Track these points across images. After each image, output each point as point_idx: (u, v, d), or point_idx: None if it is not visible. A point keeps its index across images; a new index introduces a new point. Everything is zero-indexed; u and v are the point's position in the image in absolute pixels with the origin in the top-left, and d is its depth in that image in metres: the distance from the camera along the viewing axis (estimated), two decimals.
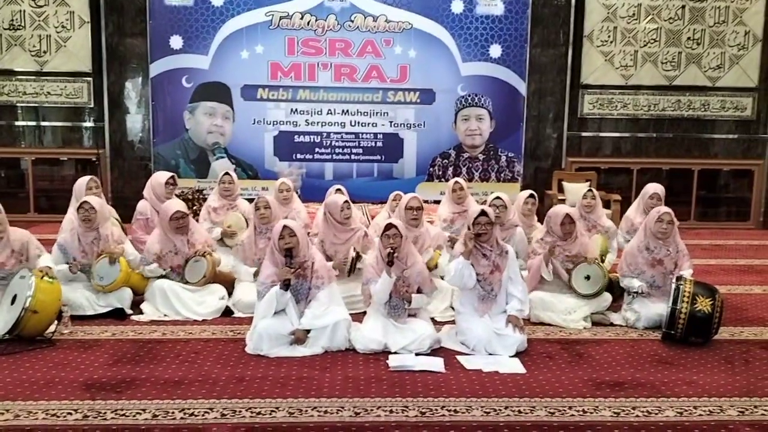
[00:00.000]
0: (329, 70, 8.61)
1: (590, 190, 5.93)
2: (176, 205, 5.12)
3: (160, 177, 6.01)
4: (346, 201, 5.31)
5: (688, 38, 9.02)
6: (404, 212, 5.23)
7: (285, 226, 4.30)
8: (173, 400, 3.49)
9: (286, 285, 4.17)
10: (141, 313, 4.90)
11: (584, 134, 9.16)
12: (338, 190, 6.14)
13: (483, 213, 4.34)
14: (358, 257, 5.08)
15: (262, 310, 4.25)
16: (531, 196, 6.01)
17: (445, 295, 5.09)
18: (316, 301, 4.30)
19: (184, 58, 8.46)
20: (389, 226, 4.36)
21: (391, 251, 4.25)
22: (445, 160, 8.86)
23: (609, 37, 8.97)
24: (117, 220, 5.78)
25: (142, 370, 3.90)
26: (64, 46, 8.57)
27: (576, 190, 6.16)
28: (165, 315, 4.87)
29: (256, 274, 5.09)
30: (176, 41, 8.44)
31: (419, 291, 4.44)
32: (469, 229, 4.36)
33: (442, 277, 5.26)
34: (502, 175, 8.90)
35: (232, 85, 8.51)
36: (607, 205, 8.37)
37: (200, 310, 4.90)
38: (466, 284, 4.33)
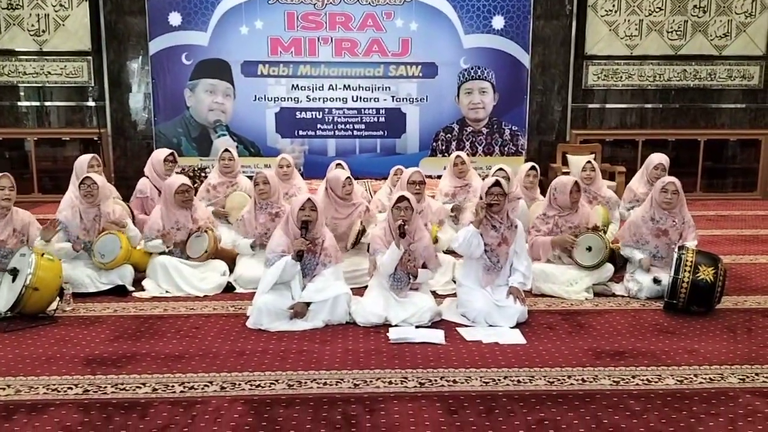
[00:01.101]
0: (330, 45, 8.54)
1: (589, 162, 5.92)
2: (181, 178, 5.15)
3: (160, 154, 6.01)
4: (348, 177, 5.31)
5: (694, 6, 8.88)
6: (407, 186, 5.23)
7: (309, 199, 4.34)
8: (173, 374, 3.52)
9: (299, 256, 4.19)
10: (142, 289, 4.92)
11: (589, 106, 9.09)
12: (338, 165, 6.13)
13: (497, 183, 4.34)
14: (363, 231, 5.08)
15: (268, 278, 4.25)
16: (533, 168, 5.97)
17: (447, 269, 5.10)
18: (320, 277, 4.33)
19: (183, 35, 8.41)
20: (401, 199, 4.37)
21: (402, 223, 4.26)
22: (449, 135, 8.81)
23: (613, 6, 8.85)
24: (120, 199, 5.81)
25: (142, 345, 3.93)
26: (62, 24, 8.54)
27: (580, 162, 6.12)
28: (167, 291, 4.89)
29: (253, 246, 5.11)
30: (175, 18, 8.38)
31: (424, 266, 4.46)
32: (481, 198, 4.37)
33: (443, 252, 5.29)
34: (505, 148, 8.86)
35: (232, 62, 8.47)
36: (612, 177, 8.33)
37: (202, 286, 4.91)
38: (473, 253, 4.35)
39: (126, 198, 6.11)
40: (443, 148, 8.79)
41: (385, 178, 6.69)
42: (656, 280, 4.76)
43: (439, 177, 7.11)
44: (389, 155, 8.65)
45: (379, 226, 4.64)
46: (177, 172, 5.90)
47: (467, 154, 6.76)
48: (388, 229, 4.43)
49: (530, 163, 6.06)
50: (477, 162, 8.53)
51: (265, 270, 4.33)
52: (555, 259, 5.02)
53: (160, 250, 5.04)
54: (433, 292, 4.75)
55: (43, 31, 8.56)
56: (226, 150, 6.19)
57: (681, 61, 8.98)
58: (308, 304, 4.26)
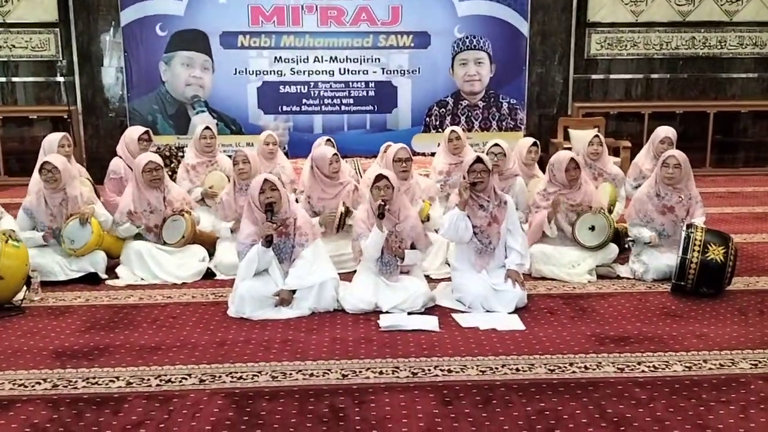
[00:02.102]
0: (315, 14, 8.44)
1: (597, 136, 5.87)
2: (149, 156, 5.09)
3: (134, 132, 5.94)
4: (336, 153, 5.27)
5: None
6: (392, 164, 5.18)
7: (266, 180, 4.27)
8: (149, 366, 3.50)
9: (268, 242, 4.16)
10: (116, 277, 4.89)
11: (592, 77, 9.04)
12: (328, 140, 6.08)
13: (478, 160, 4.29)
14: (347, 212, 5.06)
15: (243, 271, 4.24)
16: (534, 144, 5.94)
17: (440, 251, 5.08)
18: (301, 260, 4.29)
19: (158, 4, 8.28)
20: (379, 177, 4.32)
21: (382, 204, 4.23)
22: (443, 109, 8.75)
23: None
24: (88, 180, 5.74)
25: (116, 336, 3.90)
26: None
27: (583, 137, 6.09)
28: (142, 279, 4.87)
29: (234, 230, 5.07)
30: None
31: (413, 247, 4.43)
32: (464, 178, 4.32)
33: (436, 230, 5.26)
34: (503, 123, 8.81)
35: (210, 33, 8.36)
36: (616, 152, 8.30)
37: (180, 273, 4.89)
38: (462, 237, 4.31)
39: (99, 180, 6.04)
40: (437, 123, 8.74)
41: (375, 156, 6.64)
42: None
43: (433, 154, 7.06)
44: (380, 132, 8.59)
45: (361, 209, 4.61)
46: (153, 151, 5.84)
47: (463, 130, 6.69)
48: (370, 212, 4.40)
49: (531, 139, 6.02)
50: (473, 138, 8.47)
51: (239, 264, 4.30)
52: (555, 240, 4.98)
53: (132, 232, 5.00)
54: (427, 277, 4.73)
55: (6, 1, 8.42)
56: (207, 127, 6.14)
57: (689, 28, 8.92)
58: (294, 291, 4.22)
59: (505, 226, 4.38)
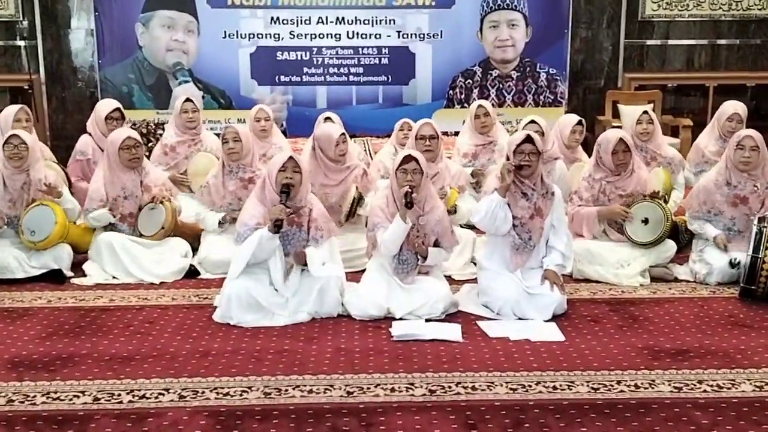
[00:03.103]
0: None
1: (645, 113, 5.83)
2: (126, 131, 5.11)
3: (105, 107, 5.95)
4: (343, 133, 5.28)
5: None
6: (415, 143, 5.17)
7: (291, 158, 4.32)
8: (120, 380, 3.51)
9: (277, 227, 4.17)
10: (84, 275, 4.91)
11: (647, 43, 8.98)
12: (328, 119, 6.09)
13: (528, 139, 4.29)
14: (360, 199, 5.05)
15: (240, 258, 4.24)
16: (579, 123, 5.91)
17: (465, 248, 5.09)
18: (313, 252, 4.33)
19: None
20: (408, 159, 4.33)
21: (410, 190, 4.22)
22: (469, 81, 8.72)
23: None
24: (54, 162, 5.77)
25: (82, 344, 3.92)
26: None
27: (635, 114, 6.05)
28: (114, 277, 4.90)
29: (222, 222, 5.10)
30: None
31: (436, 244, 4.44)
32: (508, 159, 4.32)
33: (462, 226, 5.25)
34: (541, 97, 8.76)
35: None
36: (675, 132, 8.24)
37: (157, 271, 4.92)
38: (499, 229, 4.32)
39: (64, 161, 6.07)
40: (462, 97, 8.70)
41: (389, 136, 6.64)
42: (733, 264, 4.71)
43: (457, 134, 7.05)
44: (394, 107, 8.57)
45: (379, 195, 4.59)
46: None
47: (492, 105, 6.68)
48: (391, 198, 4.39)
49: (575, 117, 5.99)
50: (505, 114, 8.45)
51: (235, 248, 4.30)
52: (601, 234, 4.97)
53: (105, 221, 5.02)
54: (448, 277, 4.73)
55: None
56: (188, 100, 6.12)
57: None
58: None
59: (549, 221, 4.38)
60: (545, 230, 4.39)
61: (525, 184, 4.33)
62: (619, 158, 4.90)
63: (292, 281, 4.28)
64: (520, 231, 4.35)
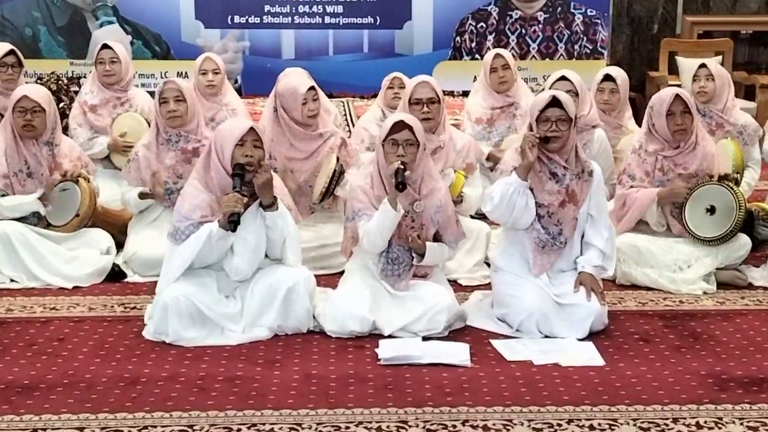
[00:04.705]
0: None
1: (704, 66, 5.81)
2: (26, 89, 5.11)
3: None
4: (312, 88, 5.26)
5: None
6: (408, 108, 5.15)
7: (252, 129, 4.27)
8: (19, 416, 3.50)
9: (231, 222, 4.12)
10: None
11: None
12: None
13: (555, 102, 4.26)
14: (341, 173, 5.03)
15: (178, 261, 4.22)
16: (608, 78, 5.89)
17: (477, 245, 5.10)
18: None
19: None
20: (399, 126, 4.30)
21: (402, 168, 4.19)
22: (482, 24, 8.74)
23: None
24: None
25: None
26: None
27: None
28: (11, 280, 4.90)
29: (143, 196, 5.04)
30: None
31: (436, 238, 4.42)
32: (530, 128, 4.30)
33: (473, 216, 5.25)
34: (576, 46, 8.79)
35: None
36: (749, 93, 8.26)
37: (70, 272, 4.93)
38: (518, 221, 4.31)
39: None
40: (473, 45, 8.72)
41: (375, 95, 6.61)
42: None
43: (466, 94, 7.03)
44: (384, 57, 8.61)
45: (362, 174, 4.57)
46: (28, 82, 5.84)
47: (513, 56, 6.65)
48: (377, 178, 4.38)
49: (607, 69, 5.96)
50: (529, 69, 8.48)
51: (171, 248, 4.27)
52: (657, 225, 4.94)
53: (27, 211, 4.97)
54: (453, 282, 4.73)
55: None
56: (106, 46, 6.12)
57: None
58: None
59: (585, 208, 4.36)
60: (580, 221, 4.37)
61: (553, 161, 4.30)
62: (676, 122, 4.88)
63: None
64: (547, 223, 4.33)
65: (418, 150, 4.30)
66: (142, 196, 5.05)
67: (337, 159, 5.05)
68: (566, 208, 4.33)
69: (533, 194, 4.27)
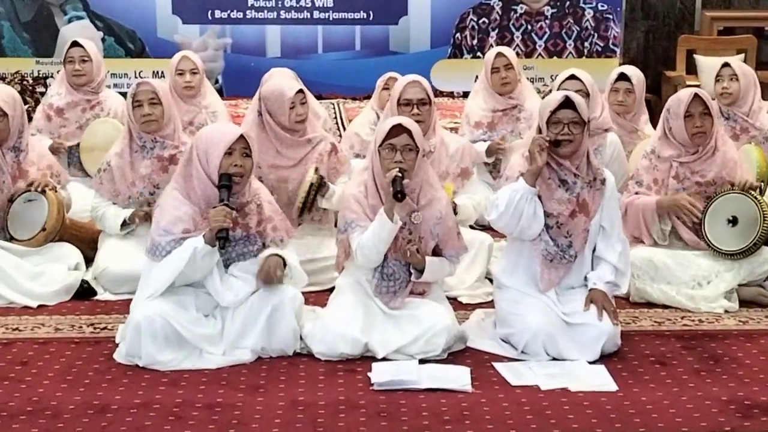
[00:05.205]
0: None
1: (727, 65, 5.83)
2: None
3: None
4: (301, 91, 5.27)
5: None
6: (397, 110, 5.18)
7: (242, 137, 4.27)
8: None
9: (220, 239, 4.13)
10: None
11: None
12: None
13: (567, 103, 4.27)
14: (321, 184, 5.04)
15: (159, 280, 4.20)
16: (625, 78, 5.87)
17: (477, 258, 5.11)
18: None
19: None
20: (397, 130, 4.31)
21: (400, 175, 4.19)
22: (484, 20, 8.79)
23: None
24: None
25: None
26: None
27: (718, 67, 6.06)
28: None
29: (128, 223, 5.02)
30: None
31: (435, 252, 4.43)
32: (539, 131, 4.31)
33: (472, 227, 5.29)
34: (586, 44, 8.84)
35: None
36: None
37: (35, 289, 4.92)
38: (525, 231, 4.31)
39: None
40: (474, 43, 8.77)
41: (368, 97, 6.62)
42: None
43: (467, 95, 7.02)
44: (377, 55, 8.66)
45: (355, 181, 4.57)
46: None
47: (517, 54, 6.67)
48: (371, 186, 4.38)
49: (622, 68, 5.96)
50: (535, 68, 8.54)
51: (149, 265, 4.27)
52: (665, 237, 4.95)
53: None
54: (453, 300, 4.73)
55: None
56: (75, 44, 6.13)
57: None
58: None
59: (597, 220, 4.37)
60: (591, 234, 4.37)
61: (564, 168, 4.31)
62: (695, 124, 4.89)
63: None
64: (556, 234, 4.33)
65: (417, 156, 4.30)
66: (124, 226, 5.04)
67: (316, 169, 5.05)
68: (577, 219, 4.34)
69: (541, 202, 4.28)
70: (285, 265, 4.27)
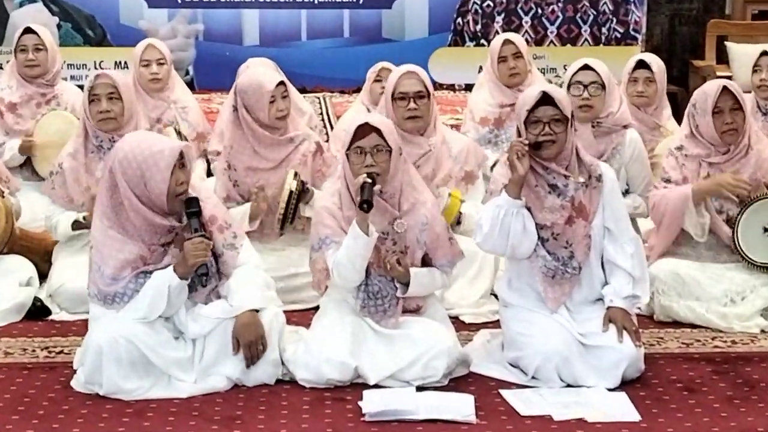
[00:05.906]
0: None
1: (766, 54, 5.87)
2: None
3: None
4: (282, 83, 5.28)
5: None
6: (391, 105, 5.17)
7: (181, 151, 4.19)
8: None
9: (203, 275, 4.16)
10: None
11: None
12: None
13: (545, 99, 4.24)
14: (302, 192, 5.05)
15: (129, 316, 4.18)
16: (645, 66, 5.88)
17: (482, 272, 5.13)
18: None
19: None
20: (364, 130, 4.29)
21: (369, 182, 4.17)
22: (489, 3, 8.80)
23: None
24: None
25: None
26: None
27: (753, 57, 6.07)
28: None
29: (79, 223, 5.03)
30: None
31: (425, 263, 4.43)
32: (518, 134, 4.30)
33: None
34: (603, 29, 8.87)
35: None
36: None
37: None
38: (517, 249, 4.29)
39: None
40: (478, 29, 8.79)
41: (358, 90, 6.65)
42: None
43: (470, 88, 7.03)
44: (368, 43, 8.70)
45: (327, 192, 4.60)
46: None
47: (526, 41, 6.70)
48: (346, 195, 4.37)
49: (640, 55, 5.97)
50: (546, 57, 8.57)
51: (100, 310, 4.23)
52: (697, 231, 4.90)
53: None
54: (455, 319, 4.73)
55: None
56: (28, 30, 6.15)
57: None
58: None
59: (600, 222, 4.35)
60: (595, 238, 4.34)
61: (551, 171, 4.29)
62: (725, 121, 4.89)
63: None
64: (554, 247, 4.31)
65: (390, 157, 4.28)
66: (77, 226, 5.03)
67: (296, 174, 5.06)
68: (575, 225, 4.31)
69: (531, 214, 4.26)
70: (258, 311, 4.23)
